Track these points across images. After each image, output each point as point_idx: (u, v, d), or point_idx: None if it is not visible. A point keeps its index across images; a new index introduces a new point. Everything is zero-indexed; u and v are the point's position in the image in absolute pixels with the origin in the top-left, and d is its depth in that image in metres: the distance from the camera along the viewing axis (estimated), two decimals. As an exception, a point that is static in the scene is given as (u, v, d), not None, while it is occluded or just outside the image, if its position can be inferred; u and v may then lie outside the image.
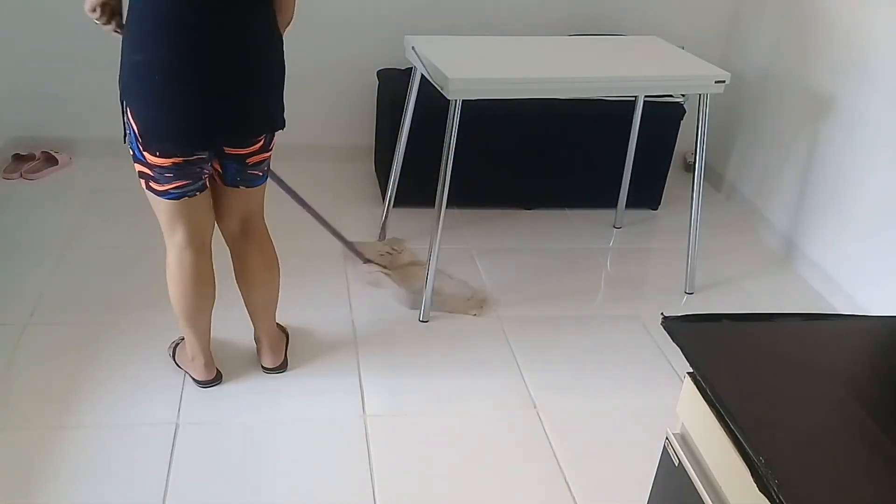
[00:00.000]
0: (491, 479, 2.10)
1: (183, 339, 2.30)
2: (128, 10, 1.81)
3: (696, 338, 1.27)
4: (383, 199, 3.14)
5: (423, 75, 2.67)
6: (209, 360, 2.29)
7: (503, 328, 2.71)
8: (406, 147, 3.00)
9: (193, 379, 2.31)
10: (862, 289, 2.90)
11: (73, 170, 3.49)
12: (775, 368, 1.25)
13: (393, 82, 3.25)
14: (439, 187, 2.59)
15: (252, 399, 2.30)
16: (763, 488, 1.04)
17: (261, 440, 2.15)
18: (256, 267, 2.24)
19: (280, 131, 2.10)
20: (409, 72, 2.91)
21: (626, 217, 3.47)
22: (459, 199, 3.07)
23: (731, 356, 1.26)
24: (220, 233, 2.18)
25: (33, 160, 3.43)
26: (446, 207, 2.61)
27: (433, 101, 2.67)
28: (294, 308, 2.69)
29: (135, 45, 1.79)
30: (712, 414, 1.19)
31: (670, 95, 3.37)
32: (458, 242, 3.19)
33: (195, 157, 1.90)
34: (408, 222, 3.24)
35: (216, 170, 2.04)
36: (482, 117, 2.88)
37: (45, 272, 2.75)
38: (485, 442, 2.22)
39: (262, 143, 2.05)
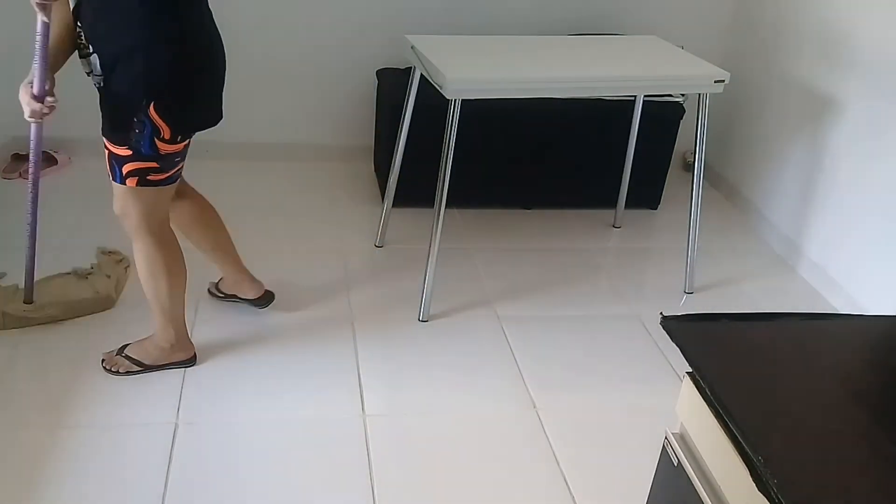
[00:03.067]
0: (490, 479, 2.10)
1: (121, 350, 2.36)
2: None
3: (695, 337, 1.27)
4: (382, 199, 3.14)
5: (422, 75, 2.67)
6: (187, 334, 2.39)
7: (503, 328, 2.71)
8: (405, 147, 3.00)
9: (181, 363, 2.37)
10: (862, 289, 2.89)
11: (72, 170, 3.49)
12: (775, 368, 1.25)
13: (392, 82, 3.25)
14: (439, 187, 2.59)
15: (251, 399, 2.30)
16: (762, 488, 1.04)
17: (260, 440, 2.15)
18: (208, 207, 2.43)
19: None
20: (408, 71, 2.91)
21: (626, 217, 3.47)
22: (459, 199, 3.07)
23: (730, 356, 1.26)
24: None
25: (33, 160, 3.42)
26: (446, 207, 2.61)
27: (433, 101, 2.67)
28: (293, 308, 2.69)
29: (171, 41, 1.95)
30: (711, 414, 1.19)
31: (670, 95, 3.37)
32: (457, 242, 3.19)
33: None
34: (407, 222, 3.24)
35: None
36: (482, 117, 2.88)
37: (45, 272, 2.75)
38: (484, 442, 2.22)
39: None
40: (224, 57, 2.12)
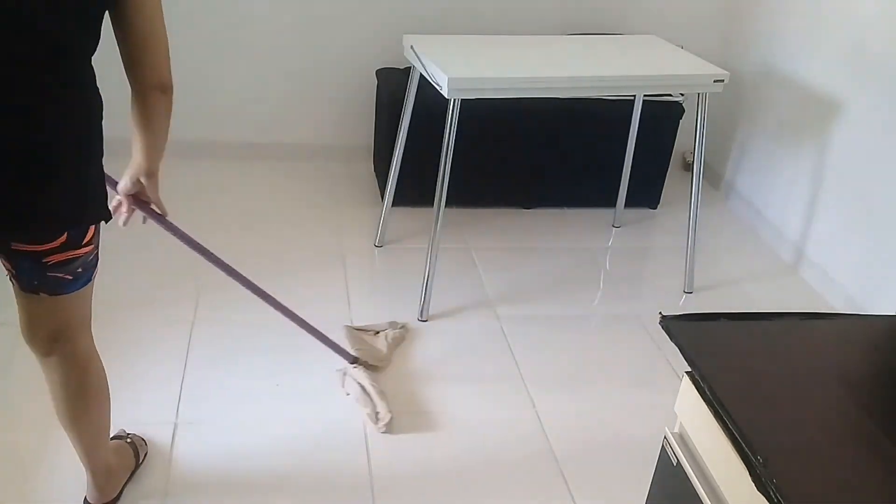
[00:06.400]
0: (490, 479, 2.10)
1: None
2: None
3: (694, 337, 1.27)
4: (382, 198, 3.14)
5: (421, 75, 2.67)
6: None
7: (503, 328, 2.71)
8: (405, 147, 3.00)
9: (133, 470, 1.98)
10: (862, 289, 2.89)
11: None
12: (774, 368, 1.25)
13: (392, 82, 3.25)
14: (438, 187, 2.59)
15: (251, 399, 2.30)
16: (761, 487, 1.04)
17: (260, 440, 2.15)
18: (70, 397, 1.72)
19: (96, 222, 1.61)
20: (407, 71, 2.91)
21: (626, 216, 3.47)
22: (458, 198, 3.07)
23: (729, 355, 1.26)
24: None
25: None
26: (445, 206, 2.61)
27: (432, 101, 2.67)
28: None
29: None
30: (710, 413, 1.19)
31: (669, 95, 3.37)
32: (457, 242, 3.18)
33: None
34: (407, 222, 3.24)
35: (9, 269, 1.55)
36: (481, 117, 2.88)
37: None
38: (484, 442, 2.22)
39: (64, 238, 1.51)
40: None
